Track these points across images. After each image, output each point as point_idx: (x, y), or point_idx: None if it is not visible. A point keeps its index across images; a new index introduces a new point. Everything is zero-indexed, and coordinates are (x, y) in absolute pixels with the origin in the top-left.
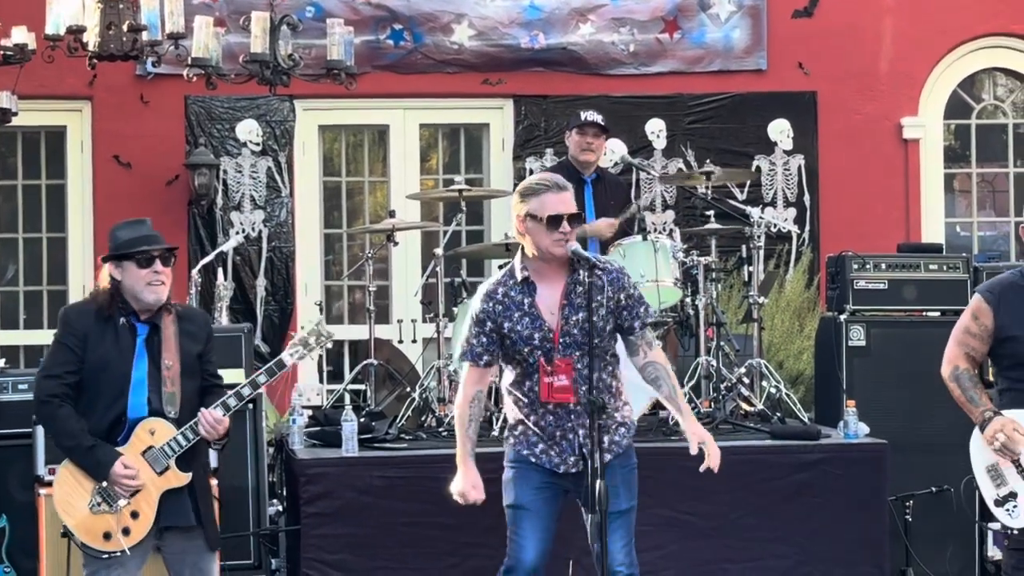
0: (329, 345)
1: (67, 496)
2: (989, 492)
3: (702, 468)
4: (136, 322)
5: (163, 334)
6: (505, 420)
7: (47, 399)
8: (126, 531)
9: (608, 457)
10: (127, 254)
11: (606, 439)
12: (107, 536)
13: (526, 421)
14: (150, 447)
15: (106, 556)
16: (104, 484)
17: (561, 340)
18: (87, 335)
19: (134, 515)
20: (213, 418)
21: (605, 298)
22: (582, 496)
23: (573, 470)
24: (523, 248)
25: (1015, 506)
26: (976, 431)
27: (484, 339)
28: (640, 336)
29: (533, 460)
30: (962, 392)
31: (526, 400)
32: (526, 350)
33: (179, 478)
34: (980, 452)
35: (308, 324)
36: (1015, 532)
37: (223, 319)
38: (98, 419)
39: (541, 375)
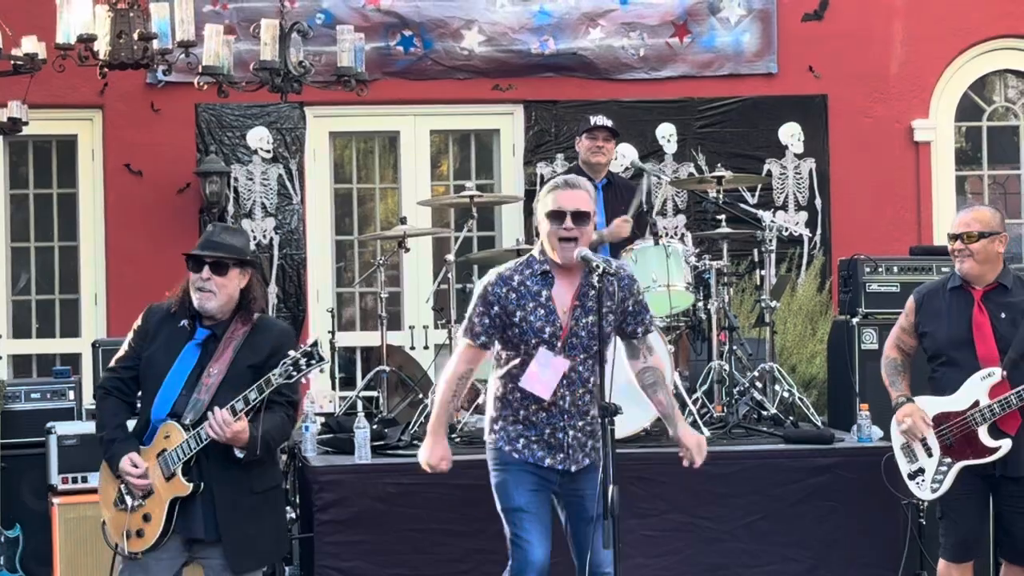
0: (321, 371)
1: (104, 489)
2: (904, 467)
3: (686, 462)
4: (199, 326)
5: (223, 342)
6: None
7: (97, 388)
8: (140, 533)
9: (587, 462)
10: (186, 256)
11: (588, 443)
12: (127, 535)
13: (512, 415)
14: (163, 450)
15: (127, 556)
16: (122, 482)
17: (568, 339)
18: (149, 331)
19: (146, 518)
20: (221, 417)
21: (615, 304)
22: (564, 498)
23: (560, 467)
24: (543, 243)
25: (923, 480)
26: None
27: (487, 320)
28: (642, 341)
29: (516, 456)
30: (886, 378)
31: (519, 394)
32: (533, 342)
33: (182, 487)
34: (897, 433)
35: (305, 344)
36: (924, 503)
37: None
38: (141, 416)
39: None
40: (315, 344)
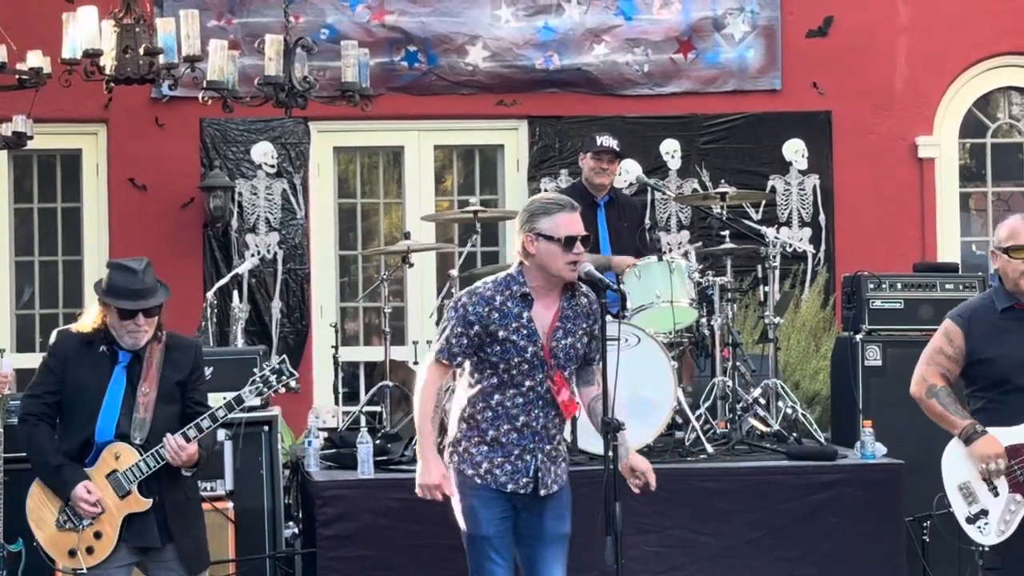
0: (293, 384)
1: (37, 510)
2: (961, 510)
3: (637, 489)
4: (118, 349)
5: (145, 362)
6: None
7: (24, 417)
8: (89, 550)
9: (555, 487)
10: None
11: (553, 470)
12: (72, 553)
13: (479, 436)
14: (114, 471)
15: (71, 573)
16: (69, 503)
17: (551, 359)
18: (68, 358)
19: (97, 535)
20: (176, 444)
21: (588, 325)
22: (522, 522)
23: (522, 491)
24: (522, 263)
25: (986, 523)
26: (950, 446)
27: (465, 341)
28: (597, 368)
29: (479, 481)
30: (943, 408)
31: (491, 413)
32: (516, 360)
33: (140, 503)
34: (953, 469)
35: (272, 361)
36: (987, 550)
37: (239, 341)
38: (71, 440)
39: (553, 392)
40: (283, 361)
